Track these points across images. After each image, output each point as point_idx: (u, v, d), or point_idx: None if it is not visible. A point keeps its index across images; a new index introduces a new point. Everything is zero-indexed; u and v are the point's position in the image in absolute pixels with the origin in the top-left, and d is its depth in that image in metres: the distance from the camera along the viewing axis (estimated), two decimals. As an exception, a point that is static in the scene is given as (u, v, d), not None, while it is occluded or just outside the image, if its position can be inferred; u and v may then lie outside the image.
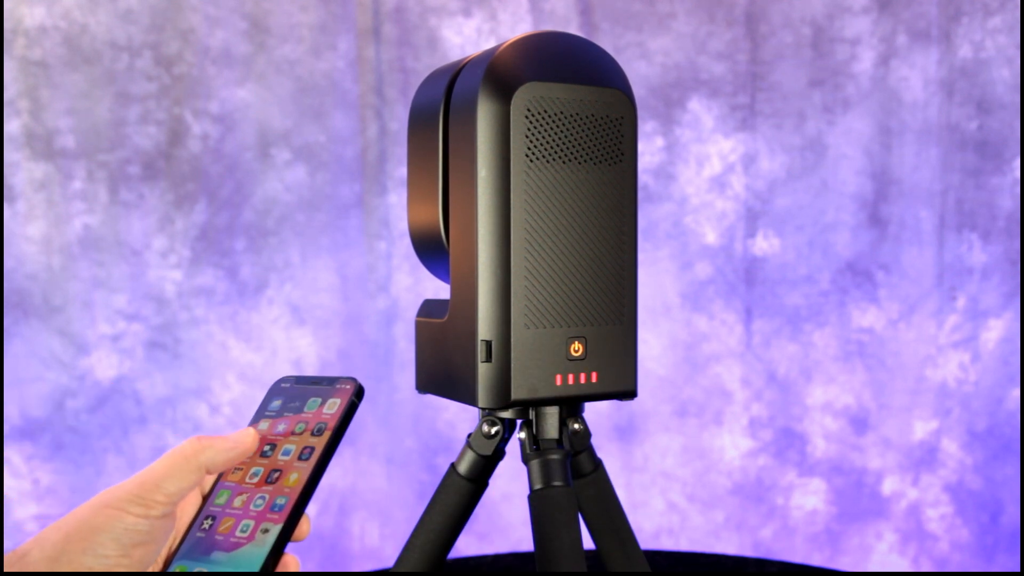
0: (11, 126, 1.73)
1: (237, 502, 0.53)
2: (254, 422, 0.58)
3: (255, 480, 0.54)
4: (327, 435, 0.56)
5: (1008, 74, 1.80)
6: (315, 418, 0.57)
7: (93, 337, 1.78)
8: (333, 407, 0.57)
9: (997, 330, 1.84)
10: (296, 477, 0.54)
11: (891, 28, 1.84)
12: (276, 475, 0.54)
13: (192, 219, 1.81)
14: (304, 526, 0.53)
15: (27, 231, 1.75)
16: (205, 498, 0.55)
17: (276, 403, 0.59)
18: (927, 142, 1.84)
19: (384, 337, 1.90)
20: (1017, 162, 1.81)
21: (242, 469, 0.55)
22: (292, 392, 0.60)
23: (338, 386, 0.59)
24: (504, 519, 1.92)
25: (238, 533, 0.51)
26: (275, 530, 0.51)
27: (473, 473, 0.76)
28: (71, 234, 1.77)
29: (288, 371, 1.87)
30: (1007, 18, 1.79)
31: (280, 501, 0.52)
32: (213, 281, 1.83)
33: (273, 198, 1.84)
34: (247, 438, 0.54)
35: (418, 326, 0.79)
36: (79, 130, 1.76)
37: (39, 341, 1.77)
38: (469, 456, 0.77)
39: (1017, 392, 1.83)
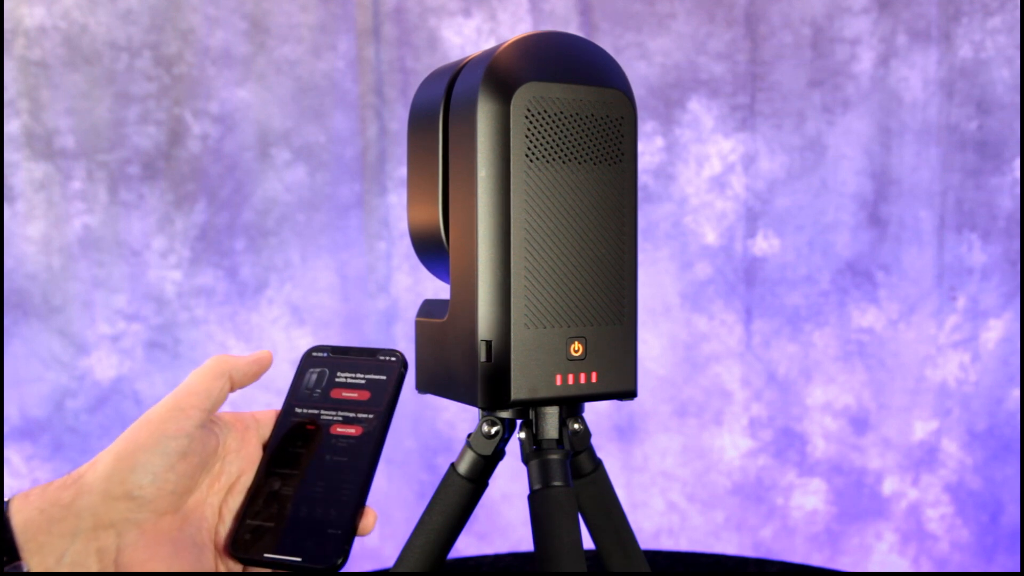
0: (11, 126, 1.73)
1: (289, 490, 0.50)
2: (291, 397, 0.55)
3: (310, 460, 0.51)
4: (382, 413, 0.53)
5: (1008, 74, 1.80)
6: (364, 394, 0.54)
7: (93, 337, 1.78)
8: (382, 380, 0.54)
9: (997, 330, 1.84)
10: (353, 464, 0.51)
11: (891, 28, 1.84)
12: (330, 456, 0.52)
13: (192, 219, 1.81)
14: (368, 518, 0.52)
15: (27, 231, 1.75)
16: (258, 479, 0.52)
17: (313, 376, 0.55)
18: (927, 142, 1.84)
19: (384, 337, 1.90)
20: (1017, 162, 1.81)
21: (294, 448, 0.52)
22: (330, 363, 0.56)
23: (381, 358, 0.55)
24: (504, 519, 1.92)
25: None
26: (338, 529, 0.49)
27: (473, 473, 0.76)
28: (71, 234, 1.77)
29: (288, 371, 1.86)
30: (1007, 18, 1.79)
31: (342, 496, 0.50)
32: (213, 281, 1.83)
33: (273, 198, 1.84)
34: (264, 356, 0.54)
35: (418, 326, 0.79)
36: (79, 130, 1.76)
37: (39, 341, 1.76)
38: (469, 456, 0.77)
39: (1017, 392, 1.83)
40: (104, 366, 1.79)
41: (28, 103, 1.73)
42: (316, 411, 0.54)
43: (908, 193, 1.85)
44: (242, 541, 0.50)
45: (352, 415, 0.54)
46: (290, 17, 1.82)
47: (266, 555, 0.49)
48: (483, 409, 0.73)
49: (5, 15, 1.71)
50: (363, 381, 0.55)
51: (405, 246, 1.87)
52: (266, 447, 0.54)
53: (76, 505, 0.45)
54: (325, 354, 0.57)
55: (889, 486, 1.90)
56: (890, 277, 1.87)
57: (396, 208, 1.88)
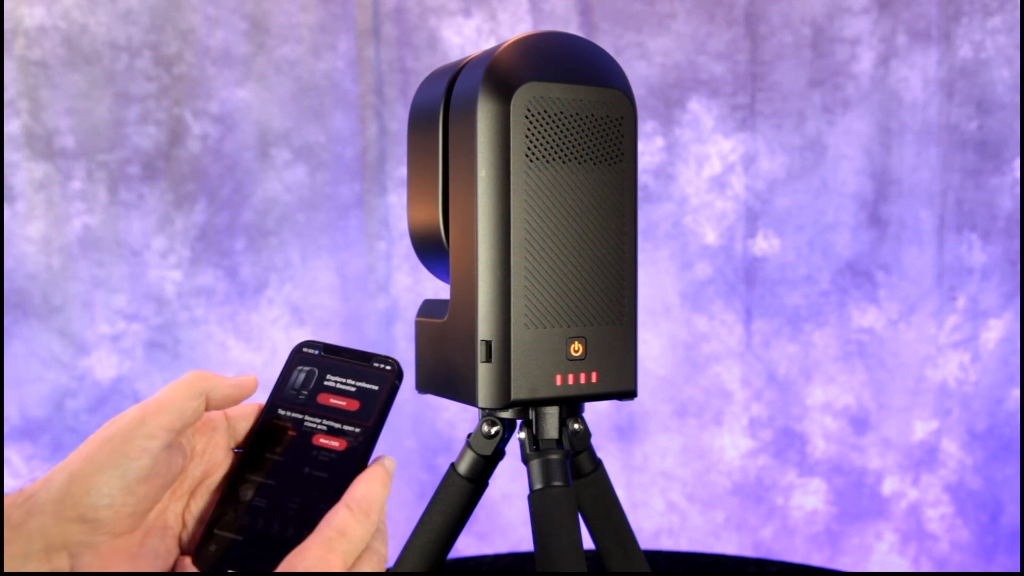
0: (11, 126, 1.73)
1: (265, 498, 0.47)
2: (276, 395, 0.51)
3: (288, 470, 0.48)
4: (370, 429, 0.49)
5: (1008, 74, 1.80)
6: (353, 403, 0.50)
7: (93, 337, 1.78)
8: (374, 391, 0.50)
9: (997, 330, 1.84)
10: (332, 482, 0.47)
11: (891, 28, 1.84)
12: (309, 469, 0.48)
13: (192, 219, 1.81)
14: None
15: (27, 231, 1.75)
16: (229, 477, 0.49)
17: (301, 376, 0.51)
18: (927, 142, 1.84)
19: (384, 337, 1.90)
20: (1017, 162, 1.81)
21: (271, 455, 0.48)
22: (320, 363, 0.52)
23: (376, 365, 0.51)
24: (504, 519, 1.92)
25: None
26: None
27: (473, 473, 0.76)
28: (71, 234, 1.77)
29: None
30: (1007, 18, 1.79)
31: (317, 517, 0.46)
32: (213, 281, 1.83)
33: (273, 198, 1.84)
34: (248, 381, 0.50)
35: (418, 326, 0.79)
36: (79, 130, 1.76)
37: (39, 341, 1.76)
38: (469, 456, 0.77)
39: (1017, 392, 1.82)
40: (104, 366, 1.79)
41: (28, 103, 1.73)
42: (300, 416, 0.50)
43: (908, 193, 1.85)
44: (207, 553, 0.47)
45: (338, 426, 0.49)
46: (290, 17, 1.82)
47: (230, 571, 0.46)
48: (483, 409, 0.73)
49: (5, 15, 1.71)
50: (353, 389, 0.51)
51: (405, 246, 1.87)
52: (241, 447, 0.50)
53: (26, 527, 0.43)
54: (316, 352, 0.52)
55: (889, 486, 1.90)
56: (890, 277, 1.87)
57: (396, 208, 1.88)
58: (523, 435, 0.74)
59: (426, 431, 1.91)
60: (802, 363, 1.91)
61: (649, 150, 1.90)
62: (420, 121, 0.77)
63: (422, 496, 1.88)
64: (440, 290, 0.77)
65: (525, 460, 0.73)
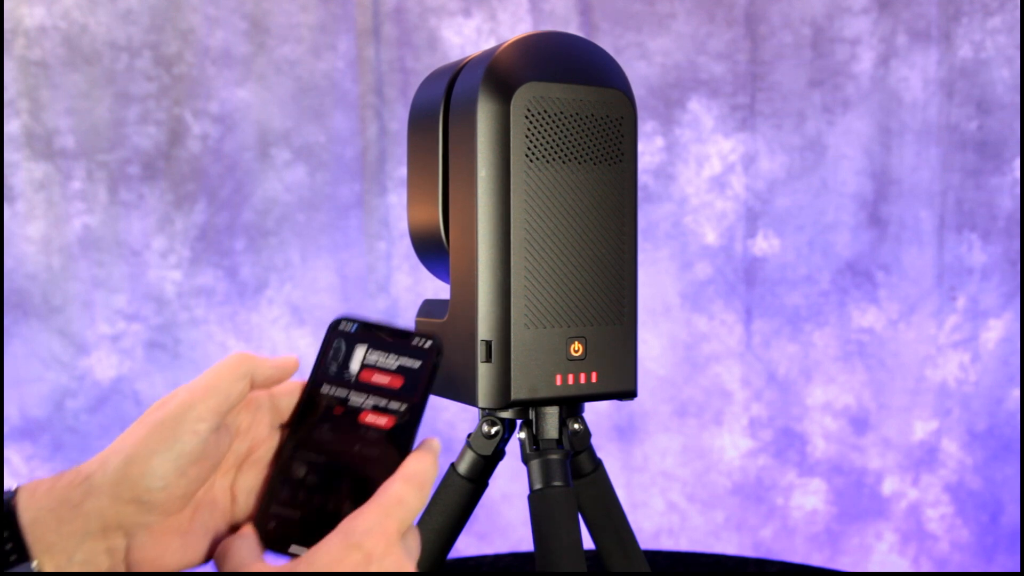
0: (11, 126, 1.73)
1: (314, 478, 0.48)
2: (318, 371, 0.51)
3: (338, 448, 0.49)
4: (416, 405, 0.50)
5: (1008, 74, 1.80)
6: (396, 380, 0.50)
7: (93, 337, 1.78)
8: (415, 369, 0.50)
9: (997, 330, 1.84)
10: (383, 459, 0.48)
11: (891, 28, 1.84)
12: (359, 447, 0.49)
13: (192, 219, 1.81)
14: None
15: (27, 231, 1.75)
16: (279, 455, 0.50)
17: (342, 353, 0.51)
18: (927, 142, 1.84)
19: (384, 337, 1.89)
20: (1017, 162, 1.81)
21: (320, 433, 0.50)
22: (359, 339, 0.51)
23: (416, 342, 0.51)
24: (504, 519, 1.92)
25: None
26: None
27: (473, 473, 0.76)
28: (71, 234, 1.77)
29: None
30: (1007, 18, 1.79)
31: (369, 495, 0.47)
32: (213, 281, 1.83)
33: (273, 198, 1.84)
34: (289, 362, 0.51)
35: (418, 326, 0.79)
36: (79, 130, 1.76)
37: (39, 341, 1.76)
38: (469, 456, 0.77)
39: (1017, 392, 1.83)
40: (104, 366, 1.79)
41: (28, 103, 1.73)
42: (344, 393, 0.51)
43: (908, 193, 1.85)
44: (266, 531, 0.48)
45: (384, 404, 0.50)
46: (290, 17, 1.82)
47: (292, 546, 0.47)
48: (483, 409, 0.73)
49: (5, 15, 1.71)
50: (395, 366, 0.51)
51: (405, 246, 1.87)
52: (289, 425, 0.51)
53: (85, 507, 0.45)
54: (354, 328, 0.52)
55: (889, 486, 1.90)
56: (890, 277, 1.87)
57: (396, 208, 1.88)
58: (523, 435, 0.74)
59: (426, 431, 1.91)
60: (802, 363, 1.91)
61: (649, 150, 1.90)
62: (420, 121, 0.77)
63: (422, 496, 1.87)
64: (440, 290, 0.77)
65: (525, 460, 0.73)
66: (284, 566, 0.45)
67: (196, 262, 1.82)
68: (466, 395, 0.71)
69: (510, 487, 1.84)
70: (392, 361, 0.51)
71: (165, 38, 1.78)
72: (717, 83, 1.88)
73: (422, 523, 0.77)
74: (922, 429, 1.88)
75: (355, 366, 0.51)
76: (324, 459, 0.49)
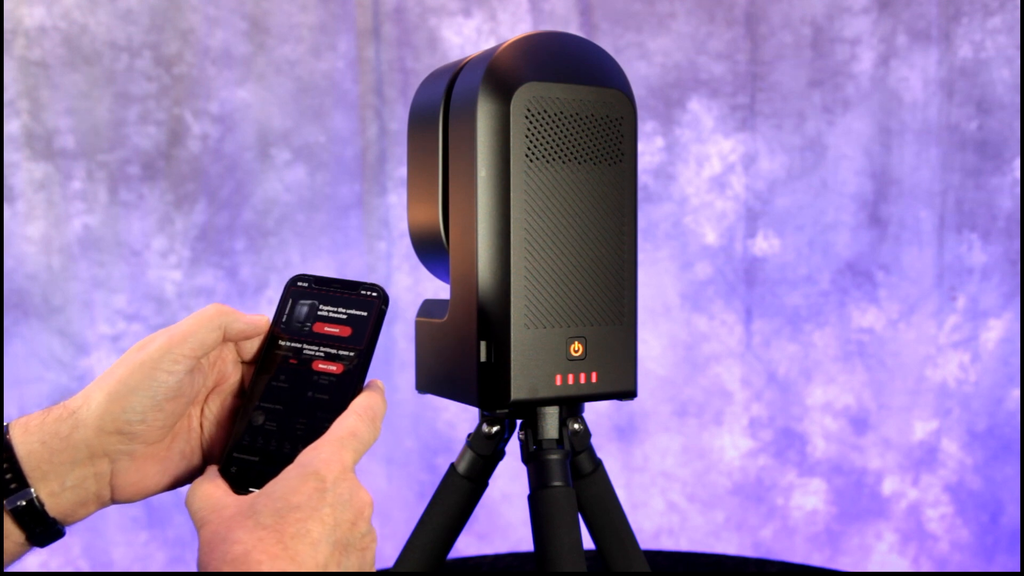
0: (11, 126, 1.73)
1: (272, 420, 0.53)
2: (275, 326, 0.56)
3: (293, 395, 0.53)
4: (363, 352, 0.54)
5: (1008, 74, 1.80)
6: (345, 330, 0.55)
7: (93, 337, 1.78)
8: (363, 317, 0.55)
9: (997, 330, 1.84)
10: (333, 402, 0.53)
11: (891, 28, 1.84)
12: (312, 393, 0.53)
13: (192, 219, 1.81)
14: None
15: (27, 231, 1.75)
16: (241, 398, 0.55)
17: (296, 307, 0.56)
18: (927, 142, 1.84)
19: (384, 337, 1.90)
20: (1017, 162, 1.81)
21: (277, 383, 0.54)
22: (313, 295, 0.56)
23: (363, 293, 0.56)
24: (504, 519, 1.92)
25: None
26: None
27: (473, 473, 0.76)
28: (71, 234, 1.77)
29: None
30: (1007, 18, 1.79)
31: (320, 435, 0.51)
32: (213, 281, 1.83)
33: (273, 198, 1.84)
34: (261, 320, 0.56)
35: (418, 326, 0.79)
36: (79, 130, 1.76)
37: (39, 341, 1.77)
38: (469, 456, 0.77)
39: (1017, 392, 1.83)
40: (104, 366, 1.79)
41: (28, 103, 1.73)
42: (299, 345, 0.55)
43: (908, 193, 1.85)
44: (229, 475, 0.52)
45: (334, 351, 0.54)
46: (290, 17, 1.82)
47: (251, 489, 0.51)
48: (483, 409, 0.73)
49: (5, 15, 1.71)
50: (344, 316, 0.56)
51: (405, 246, 1.87)
52: (250, 376, 0.55)
53: (73, 438, 0.50)
54: (308, 284, 0.57)
55: (889, 486, 1.90)
56: (890, 277, 1.87)
57: (396, 208, 1.88)
58: (523, 435, 0.74)
59: (426, 431, 1.91)
60: (802, 363, 1.91)
61: (649, 150, 1.90)
62: (420, 121, 0.77)
63: (422, 496, 1.88)
64: (440, 290, 0.77)
65: (525, 460, 0.73)
66: (246, 497, 0.49)
67: (196, 262, 1.82)
68: (466, 395, 0.71)
69: (510, 487, 1.84)
70: (342, 312, 0.55)
71: (165, 38, 1.78)
72: (717, 83, 1.88)
73: (422, 523, 0.77)
74: (922, 429, 1.88)
75: (309, 319, 0.56)
76: (281, 407, 0.53)
